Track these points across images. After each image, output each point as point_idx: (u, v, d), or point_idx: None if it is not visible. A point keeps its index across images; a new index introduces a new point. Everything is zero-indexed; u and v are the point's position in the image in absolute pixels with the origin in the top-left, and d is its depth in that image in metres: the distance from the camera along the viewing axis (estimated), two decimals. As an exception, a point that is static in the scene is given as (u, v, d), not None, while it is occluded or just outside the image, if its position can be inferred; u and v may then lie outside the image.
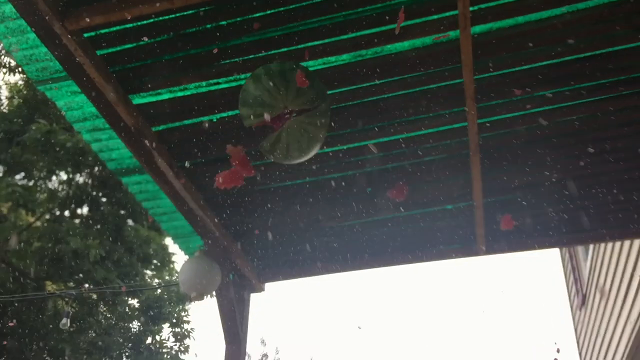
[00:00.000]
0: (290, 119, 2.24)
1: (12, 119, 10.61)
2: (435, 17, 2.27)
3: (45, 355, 10.15)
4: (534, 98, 2.69)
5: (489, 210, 3.31)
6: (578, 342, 7.82)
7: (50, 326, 10.15)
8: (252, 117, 2.26)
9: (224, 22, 2.33)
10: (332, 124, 2.75)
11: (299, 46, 2.39)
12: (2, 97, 11.71)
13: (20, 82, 11.50)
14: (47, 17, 2.07)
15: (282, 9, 2.29)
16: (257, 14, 2.29)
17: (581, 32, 2.38)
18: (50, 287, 10.96)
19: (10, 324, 9.69)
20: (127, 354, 11.07)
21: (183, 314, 11.52)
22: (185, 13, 2.29)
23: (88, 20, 2.11)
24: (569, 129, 2.87)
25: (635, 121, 2.83)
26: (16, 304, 10.00)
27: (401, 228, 3.55)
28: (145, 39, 2.37)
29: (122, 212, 11.09)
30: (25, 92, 11.17)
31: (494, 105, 2.72)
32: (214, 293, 3.49)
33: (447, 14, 2.26)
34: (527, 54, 2.47)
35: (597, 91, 2.66)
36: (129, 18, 2.16)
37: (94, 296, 10.76)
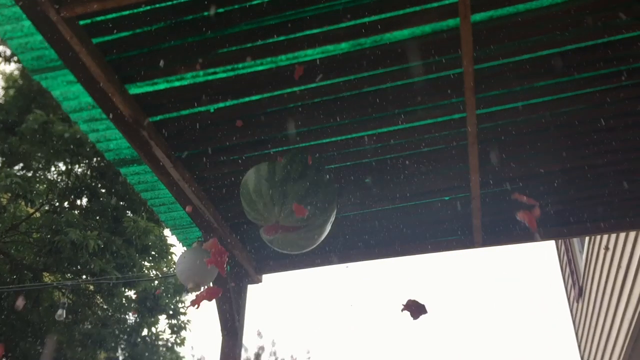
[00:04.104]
0: (281, 233, 2.34)
1: (8, 109, 10.53)
2: (435, 4, 2.25)
3: (39, 347, 10.13)
4: (533, 88, 2.67)
5: (486, 201, 3.30)
6: (576, 334, 7.85)
7: (45, 319, 10.13)
8: (248, 215, 2.46)
9: (221, 10, 2.30)
10: (330, 116, 2.74)
11: (297, 34, 2.36)
12: (-1, 88, 11.64)
13: (16, 72, 11.43)
14: (42, 4, 2.04)
15: (279, -4, 2.26)
16: (255, 1, 2.27)
17: (582, 20, 2.35)
18: (47, 278, 10.93)
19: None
20: (122, 346, 11.04)
21: (180, 305, 11.51)
22: (182, 0, 2.26)
23: (83, 8, 2.08)
24: (569, 120, 2.85)
25: (635, 112, 2.81)
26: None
27: (398, 220, 3.53)
28: (142, 27, 2.34)
29: (122, 203, 11.06)
30: (21, 82, 11.10)
31: (493, 95, 2.70)
32: (211, 284, 3.48)
33: (447, 1, 2.23)
34: (528, 42, 2.44)
35: (598, 81, 2.64)
36: (124, 5, 2.13)
37: (91, 287, 10.74)
